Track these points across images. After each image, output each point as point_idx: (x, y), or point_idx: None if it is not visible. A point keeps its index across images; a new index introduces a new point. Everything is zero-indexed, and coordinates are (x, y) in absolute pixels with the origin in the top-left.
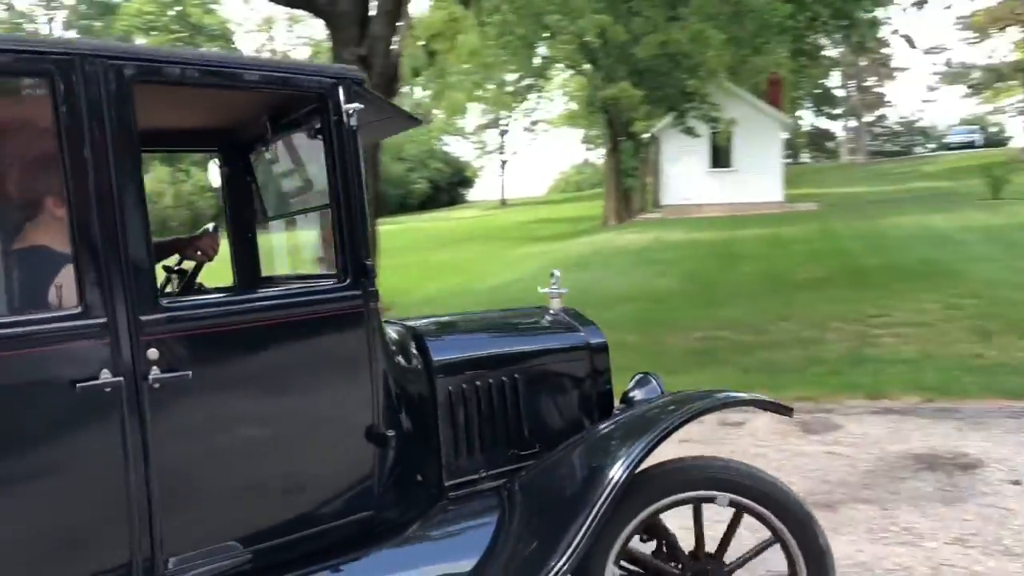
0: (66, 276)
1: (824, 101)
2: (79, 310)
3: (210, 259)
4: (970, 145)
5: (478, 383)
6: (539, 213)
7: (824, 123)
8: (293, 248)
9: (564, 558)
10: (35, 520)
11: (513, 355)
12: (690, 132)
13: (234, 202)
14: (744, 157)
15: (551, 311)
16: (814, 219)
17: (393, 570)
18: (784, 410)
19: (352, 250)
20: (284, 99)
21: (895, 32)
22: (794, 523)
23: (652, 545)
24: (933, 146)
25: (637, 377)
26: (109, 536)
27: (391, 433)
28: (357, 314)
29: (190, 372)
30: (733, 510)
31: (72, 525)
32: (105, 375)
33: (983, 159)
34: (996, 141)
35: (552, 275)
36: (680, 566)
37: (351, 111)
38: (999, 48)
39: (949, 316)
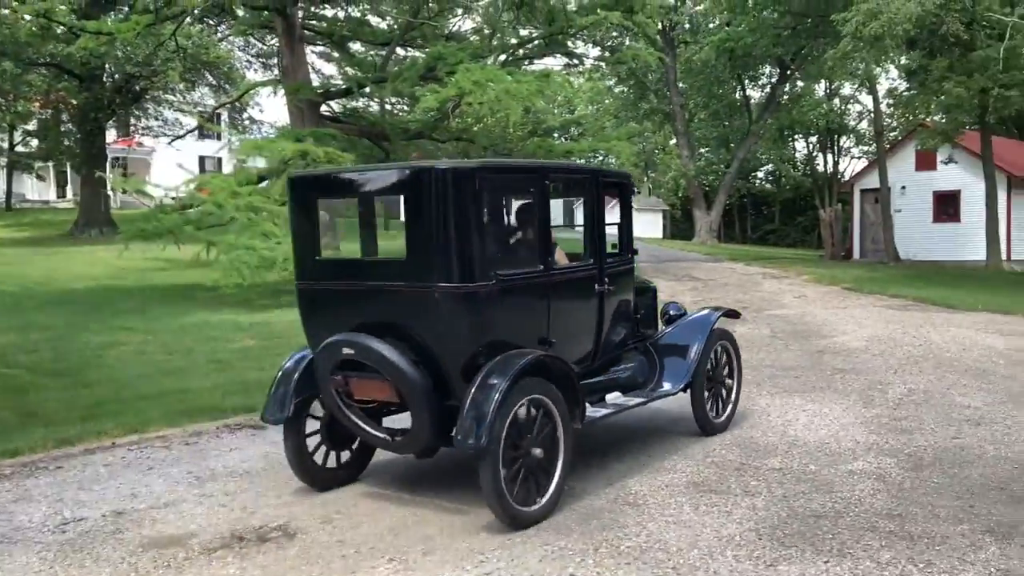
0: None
1: None
2: (591, 263)
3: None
4: None
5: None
6: None
7: None
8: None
9: (694, 365)
10: (577, 332)
11: (652, 289)
12: None
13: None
14: None
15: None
16: None
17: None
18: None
19: (629, 242)
20: (613, 183)
21: None
22: (734, 347)
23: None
24: None
25: (666, 303)
26: (590, 339)
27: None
28: (632, 268)
29: (612, 286)
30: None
31: (585, 335)
32: (598, 287)
33: None
34: None
35: None
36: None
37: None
38: None
39: None
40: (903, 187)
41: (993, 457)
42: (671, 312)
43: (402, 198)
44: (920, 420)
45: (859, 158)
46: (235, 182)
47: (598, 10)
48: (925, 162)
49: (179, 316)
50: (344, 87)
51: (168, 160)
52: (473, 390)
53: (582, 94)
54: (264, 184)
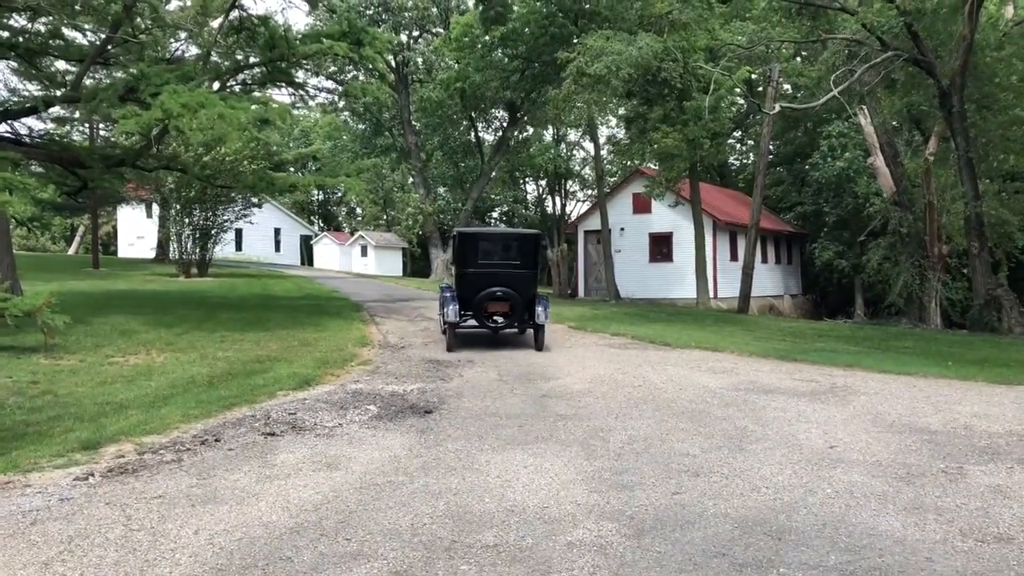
0: None
1: None
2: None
3: None
4: None
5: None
6: None
7: None
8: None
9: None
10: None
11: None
12: None
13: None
14: None
15: None
16: None
17: None
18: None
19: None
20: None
21: None
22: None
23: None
24: None
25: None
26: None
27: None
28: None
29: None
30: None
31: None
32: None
33: None
34: None
35: None
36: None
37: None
38: None
39: None
40: (622, 228)
41: (713, 515)
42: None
43: (515, 244)
44: (641, 473)
45: (583, 201)
46: None
47: (322, 39)
48: (641, 205)
49: None
50: (29, 105)
51: None
52: (537, 307)
53: (319, 128)
54: None
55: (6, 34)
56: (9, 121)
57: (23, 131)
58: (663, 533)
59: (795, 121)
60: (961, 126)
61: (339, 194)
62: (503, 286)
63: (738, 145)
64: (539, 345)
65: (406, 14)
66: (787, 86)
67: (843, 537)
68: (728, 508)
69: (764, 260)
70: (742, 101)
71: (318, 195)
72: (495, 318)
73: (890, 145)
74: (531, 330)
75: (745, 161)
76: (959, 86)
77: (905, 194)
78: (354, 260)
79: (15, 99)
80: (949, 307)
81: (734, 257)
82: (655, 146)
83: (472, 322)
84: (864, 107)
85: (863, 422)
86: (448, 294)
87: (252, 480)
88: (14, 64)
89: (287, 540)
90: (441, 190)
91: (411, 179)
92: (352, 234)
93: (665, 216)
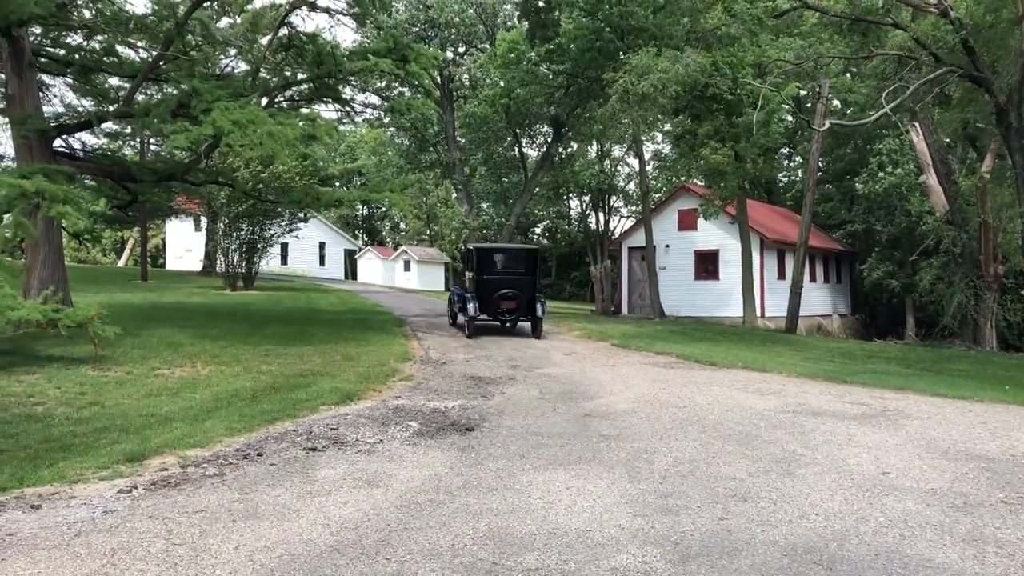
0: None
1: None
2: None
3: None
4: None
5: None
6: None
7: None
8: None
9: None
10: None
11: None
12: None
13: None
14: None
15: None
16: None
17: None
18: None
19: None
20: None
21: None
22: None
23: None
24: None
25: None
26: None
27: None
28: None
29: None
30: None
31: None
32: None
33: None
34: None
35: None
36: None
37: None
38: None
39: None
40: (667, 245)
41: (761, 542)
42: (539, 299)
43: (520, 256)
44: (686, 497)
45: (627, 217)
46: None
47: (368, 56)
48: (687, 222)
49: None
50: (82, 120)
51: None
52: (536, 304)
53: (364, 144)
54: None
55: (63, 52)
56: (64, 136)
57: (77, 146)
58: (709, 560)
59: (845, 138)
60: (1018, 143)
61: (383, 209)
62: (511, 288)
63: (786, 162)
64: (537, 334)
65: (452, 31)
66: (836, 102)
67: (898, 568)
68: (777, 535)
69: (812, 279)
70: (790, 118)
71: (362, 210)
72: (505, 313)
73: (943, 163)
74: (531, 325)
75: (793, 178)
76: (1016, 102)
77: (959, 213)
78: (397, 274)
79: (70, 115)
80: (1006, 329)
81: (782, 275)
82: (701, 162)
83: (484, 316)
84: (916, 124)
85: (916, 447)
86: (463, 295)
87: (293, 496)
88: (70, 80)
89: (327, 558)
90: (484, 205)
91: (455, 194)
92: (395, 249)
93: (711, 233)
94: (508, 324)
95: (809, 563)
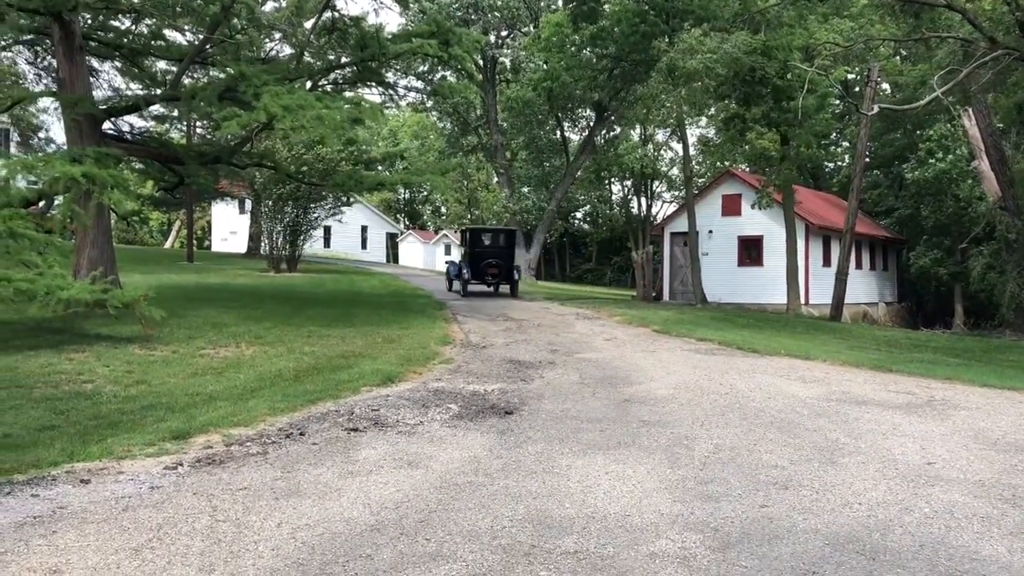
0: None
1: None
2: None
3: None
4: None
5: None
6: None
7: None
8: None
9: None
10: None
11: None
12: None
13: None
14: None
15: None
16: None
17: None
18: None
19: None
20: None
21: None
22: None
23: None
24: None
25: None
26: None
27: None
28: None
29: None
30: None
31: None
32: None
33: None
34: None
35: None
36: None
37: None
38: None
39: None
40: (710, 231)
41: (803, 530)
42: (516, 267)
43: (501, 235)
44: (727, 483)
45: (670, 202)
46: None
47: (412, 39)
48: (731, 208)
49: None
50: (130, 103)
51: None
52: (514, 271)
53: (406, 128)
54: (42, 206)
55: (111, 35)
56: (113, 119)
57: (125, 128)
58: (750, 547)
59: (894, 122)
60: None
61: (424, 193)
62: (495, 258)
63: (833, 147)
64: (514, 294)
65: (496, 14)
66: (885, 85)
67: (943, 560)
68: (818, 523)
69: (858, 266)
70: (838, 101)
71: (404, 193)
72: (490, 277)
73: (996, 148)
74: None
75: (840, 164)
76: None
77: (1013, 199)
78: (438, 258)
79: (118, 98)
80: None
81: (827, 262)
82: (747, 147)
83: (475, 281)
84: (969, 108)
85: (964, 438)
86: (458, 265)
87: (334, 475)
88: (118, 64)
89: (367, 537)
90: (525, 189)
91: (496, 178)
92: (436, 232)
93: (756, 219)
94: (492, 287)
95: (851, 552)
